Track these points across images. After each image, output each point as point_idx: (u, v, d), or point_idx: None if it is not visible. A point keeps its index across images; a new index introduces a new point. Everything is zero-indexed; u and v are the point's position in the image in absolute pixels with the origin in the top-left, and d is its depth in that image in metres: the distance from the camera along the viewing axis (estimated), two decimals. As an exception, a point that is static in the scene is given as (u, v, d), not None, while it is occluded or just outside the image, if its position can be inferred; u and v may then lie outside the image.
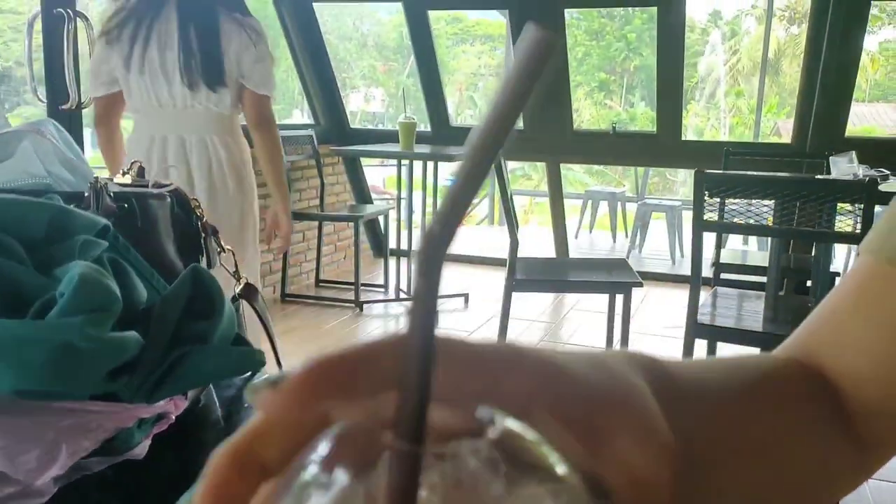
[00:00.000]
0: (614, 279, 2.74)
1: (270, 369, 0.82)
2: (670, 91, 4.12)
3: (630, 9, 12.58)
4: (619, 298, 2.78)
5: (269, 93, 2.19)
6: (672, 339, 3.67)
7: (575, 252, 5.98)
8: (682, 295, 2.28)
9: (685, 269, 4.56)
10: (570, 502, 0.18)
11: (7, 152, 0.65)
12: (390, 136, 4.38)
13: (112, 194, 0.64)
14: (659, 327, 3.97)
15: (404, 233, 4.42)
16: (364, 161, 5.18)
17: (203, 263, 0.73)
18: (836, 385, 0.40)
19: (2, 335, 0.40)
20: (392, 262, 4.42)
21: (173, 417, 0.57)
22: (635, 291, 2.76)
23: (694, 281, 2.20)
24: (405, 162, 4.14)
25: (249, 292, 0.81)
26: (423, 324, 0.18)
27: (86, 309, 0.42)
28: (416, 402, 0.18)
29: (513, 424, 0.19)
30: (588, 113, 22.44)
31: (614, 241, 7.27)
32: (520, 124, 4.56)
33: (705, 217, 2.26)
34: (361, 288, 4.21)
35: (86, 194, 0.63)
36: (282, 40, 4.70)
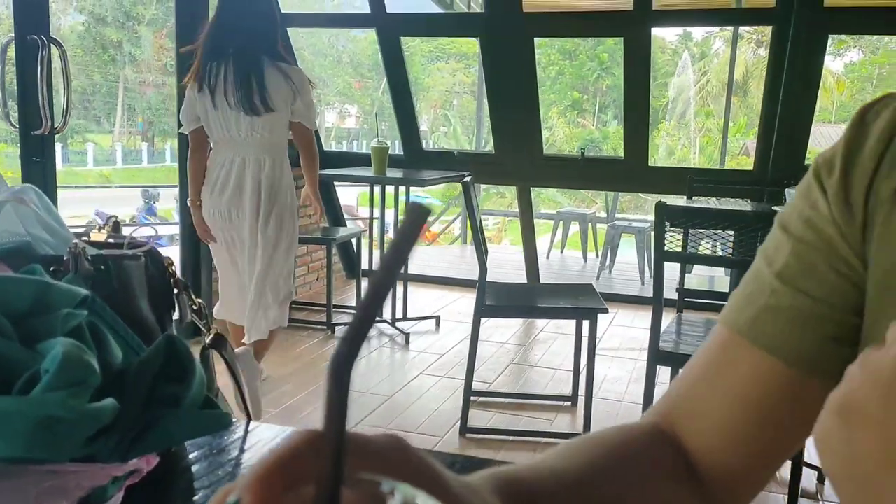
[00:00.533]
0: (581, 305, 2.81)
1: (240, 416, 0.86)
2: (637, 119, 4.23)
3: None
4: (587, 323, 2.85)
5: (312, 126, 2.92)
6: (639, 362, 3.75)
7: (546, 272, 6.07)
8: (650, 317, 2.36)
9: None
10: None
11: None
12: (363, 159, 4.43)
13: (90, 258, 0.68)
14: (626, 350, 4.05)
15: (377, 252, 4.46)
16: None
17: (175, 317, 0.78)
18: (688, 449, 0.46)
19: (-10, 410, 0.45)
20: (364, 283, 4.46)
21: (145, 472, 0.61)
22: (604, 314, 2.83)
23: (655, 310, 2.27)
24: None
25: (219, 343, 0.85)
26: (336, 427, 0.24)
27: (68, 384, 0.46)
28: (330, 489, 0.23)
29: (410, 492, 0.25)
30: (562, 132, 22.71)
31: (585, 262, 7.37)
32: (490, 148, 4.64)
33: (667, 247, 2.34)
34: (333, 310, 4.25)
35: (65, 258, 0.67)
36: None
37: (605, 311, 2.75)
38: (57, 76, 2.98)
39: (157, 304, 0.75)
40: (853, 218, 0.45)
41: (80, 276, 0.66)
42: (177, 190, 4.04)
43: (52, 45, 2.93)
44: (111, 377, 0.58)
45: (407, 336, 4.12)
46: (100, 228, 0.85)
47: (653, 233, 2.22)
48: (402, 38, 4.46)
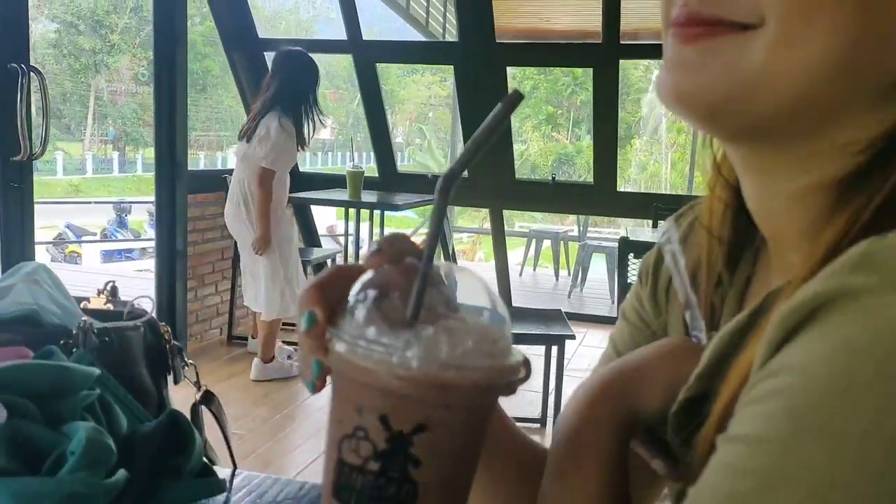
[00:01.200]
0: (549, 332, 2.91)
1: (225, 463, 0.94)
2: (606, 145, 4.36)
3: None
4: (556, 346, 2.95)
5: (268, 166, 3.53)
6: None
7: (518, 290, 6.18)
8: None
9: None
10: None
11: (3, 294, 0.76)
12: (339, 181, 4.50)
13: (96, 331, 0.76)
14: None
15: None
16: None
17: (170, 379, 0.85)
18: None
19: (24, 490, 0.52)
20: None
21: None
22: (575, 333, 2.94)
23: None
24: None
25: (208, 399, 0.93)
26: (433, 232, 0.38)
27: (90, 465, 0.54)
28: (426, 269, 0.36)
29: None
30: (536, 146, 22.95)
31: (557, 280, 7.51)
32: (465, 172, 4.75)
33: (631, 279, 2.45)
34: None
35: (74, 332, 0.75)
36: (229, 73, 4.81)
37: (573, 337, 2.85)
38: (36, 101, 3.03)
39: (155, 368, 0.83)
40: (659, 313, 0.58)
41: (87, 347, 0.74)
42: (151, 204, 4.09)
43: (31, 73, 2.97)
44: (119, 445, 0.66)
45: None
46: (99, 293, 0.93)
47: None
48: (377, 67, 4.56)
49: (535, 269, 7.99)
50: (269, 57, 4.79)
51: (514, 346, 0.39)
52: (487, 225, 11.36)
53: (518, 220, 13.07)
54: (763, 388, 0.31)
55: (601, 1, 3.89)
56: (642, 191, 13.48)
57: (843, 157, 0.38)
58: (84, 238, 11.83)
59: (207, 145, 32.22)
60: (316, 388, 0.38)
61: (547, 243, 7.69)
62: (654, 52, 5.36)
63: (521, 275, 7.57)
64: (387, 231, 4.66)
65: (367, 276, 0.38)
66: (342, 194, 4.09)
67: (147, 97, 31.38)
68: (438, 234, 0.39)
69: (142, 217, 14.31)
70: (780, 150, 0.41)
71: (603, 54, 4.06)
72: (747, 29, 0.37)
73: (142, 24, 30.16)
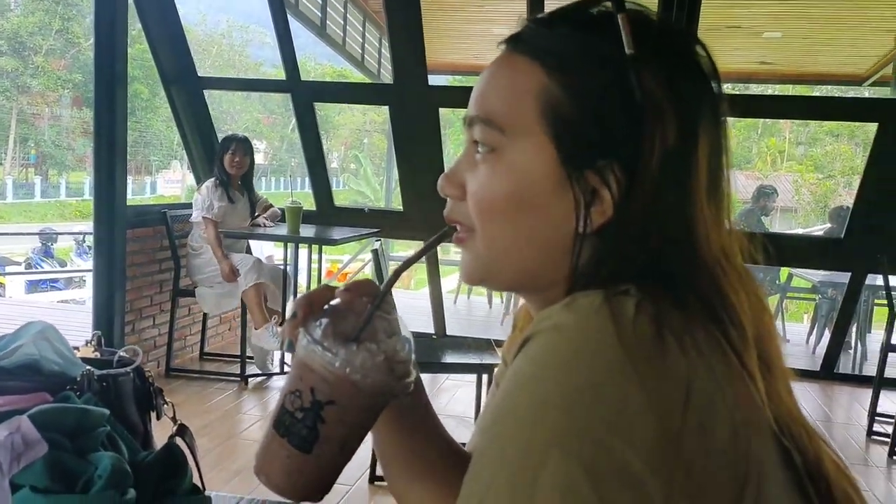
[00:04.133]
0: (480, 360, 3.12)
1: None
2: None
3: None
4: (486, 376, 3.16)
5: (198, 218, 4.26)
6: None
7: (453, 318, 6.39)
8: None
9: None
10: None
11: (12, 350, 0.92)
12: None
13: (97, 377, 0.92)
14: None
15: (290, 301, 4.63)
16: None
17: (154, 415, 1.02)
18: None
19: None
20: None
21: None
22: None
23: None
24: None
25: (182, 431, 1.10)
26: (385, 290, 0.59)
27: (114, 485, 0.71)
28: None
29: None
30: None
31: (490, 307, 7.76)
32: (400, 206, 4.95)
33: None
34: (247, 361, 4.36)
35: (78, 378, 0.91)
36: (158, 97, 4.90)
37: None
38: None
39: (141, 407, 1.00)
40: None
41: (92, 392, 0.90)
42: (79, 232, 4.09)
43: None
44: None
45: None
46: (87, 343, 1.09)
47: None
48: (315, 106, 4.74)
49: (469, 297, 8.23)
50: (208, 95, 4.91)
51: (412, 366, 0.61)
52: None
53: (453, 248, 13.30)
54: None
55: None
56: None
57: (562, 287, 0.60)
58: (7, 268, 11.46)
59: (135, 170, 31.46)
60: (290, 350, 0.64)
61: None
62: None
63: (455, 302, 7.79)
64: (324, 258, 4.83)
65: (337, 304, 0.60)
66: (282, 229, 4.23)
67: (71, 120, 30.55)
68: (385, 295, 0.60)
69: (67, 245, 13.92)
70: (533, 295, 0.64)
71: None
72: (472, 231, 0.61)
73: (67, 47, 29.44)
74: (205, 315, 4.69)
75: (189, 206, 4.48)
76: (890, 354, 3.88)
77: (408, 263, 0.62)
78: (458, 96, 4.64)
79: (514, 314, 0.83)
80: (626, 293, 0.51)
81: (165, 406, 1.05)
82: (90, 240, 6.08)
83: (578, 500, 0.44)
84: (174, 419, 1.09)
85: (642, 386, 0.47)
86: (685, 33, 0.62)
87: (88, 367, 0.91)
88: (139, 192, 29.82)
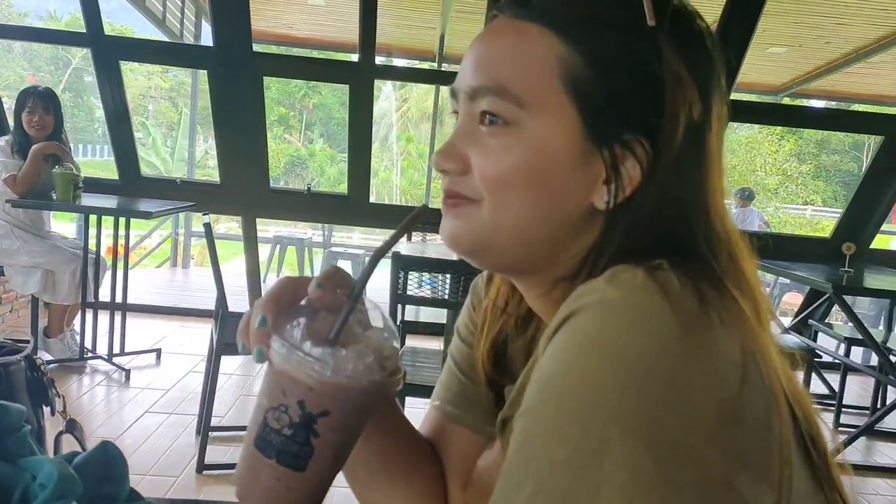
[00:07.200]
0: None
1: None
2: (361, 159, 4.59)
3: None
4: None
5: None
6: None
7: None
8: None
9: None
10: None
11: None
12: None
13: (-14, 370, 0.76)
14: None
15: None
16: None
17: (48, 409, 0.87)
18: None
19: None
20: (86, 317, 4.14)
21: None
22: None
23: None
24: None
25: (73, 427, 0.95)
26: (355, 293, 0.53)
27: (62, 496, 0.59)
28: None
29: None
30: (269, 146, 22.54)
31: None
32: (217, 178, 4.65)
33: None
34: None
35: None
36: None
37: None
38: None
39: (35, 398, 0.84)
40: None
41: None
42: None
43: None
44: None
45: (127, 372, 3.93)
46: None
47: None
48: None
49: (277, 275, 7.98)
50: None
51: (398, 360, 0.57)
52: (230, 231, 10.99)
53: (260, 224, 12.80)
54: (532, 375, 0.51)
55: (358, 18, 4.10)
56: (387, 202, 14.71)
57: (563, 268, 0.60)
58: None
59: None
60: (261, 360, 0.54)
61: (292, 252, 7.74)
62: (405, 74, 5.65)
63: (265, 281, 7.52)
64: (132, 234, 4.39)
65: (308, 304, 0.54)
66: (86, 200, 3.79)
67: None
68: (363, 288, 0.55)
69: None
70: (524, 277, 0.63)
71: (358, 73, 4.28)
72: (477, 202, 0.58)
73: None
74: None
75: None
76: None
77: (384, 248, 0.57)
78: (284, 65, 4.45)
79: (473, 284, 0.81)
80: (659, 267, 0.51)
81: (57, 399, 0.90)
82: None
83: (644, 479, 0.43)
84: (63, 413, 0.94)
85: (701, 362, 0.47)
86: (691, 7, 0.63)
87: (-23, 358, 0.75)
88: None
